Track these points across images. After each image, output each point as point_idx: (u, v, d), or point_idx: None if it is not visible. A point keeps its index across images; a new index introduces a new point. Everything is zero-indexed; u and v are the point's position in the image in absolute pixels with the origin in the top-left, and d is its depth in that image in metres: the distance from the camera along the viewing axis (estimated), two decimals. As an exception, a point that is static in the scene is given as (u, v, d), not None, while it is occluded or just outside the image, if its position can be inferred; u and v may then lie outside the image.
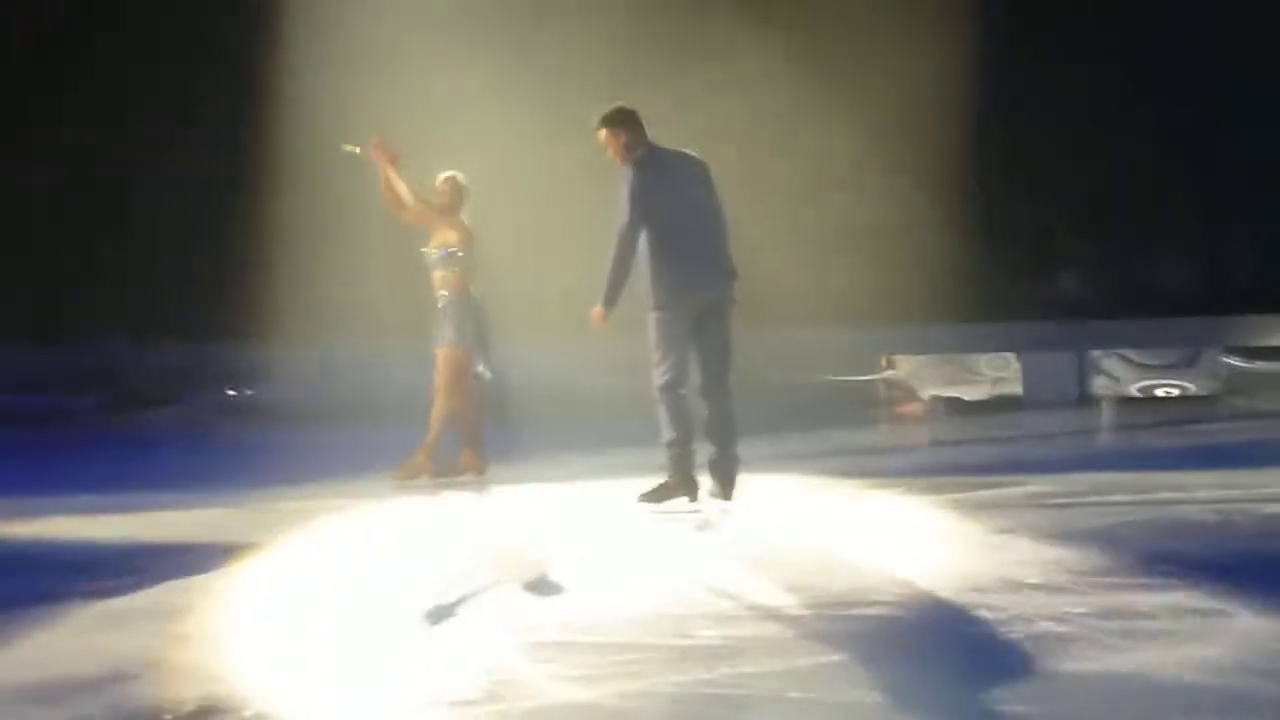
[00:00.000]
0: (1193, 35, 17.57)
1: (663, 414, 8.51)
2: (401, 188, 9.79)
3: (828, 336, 17.12)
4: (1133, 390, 16.21)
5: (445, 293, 9.84)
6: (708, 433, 8.54)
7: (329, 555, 7.91)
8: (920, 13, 16.97)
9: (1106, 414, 15.06)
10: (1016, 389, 16.17)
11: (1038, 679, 5.05)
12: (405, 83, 16.13)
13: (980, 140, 16.83)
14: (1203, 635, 5.51)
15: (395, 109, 14.82)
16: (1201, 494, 8.83)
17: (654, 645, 5.55)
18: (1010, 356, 16.56)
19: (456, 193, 9.92)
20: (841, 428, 14.22)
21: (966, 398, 16.28)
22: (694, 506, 8.52)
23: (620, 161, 8.58)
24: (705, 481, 8.57)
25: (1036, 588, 6.36)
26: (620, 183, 8.51)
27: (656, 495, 8.55)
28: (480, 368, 10.04)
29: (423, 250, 9.97)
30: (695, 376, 8.55)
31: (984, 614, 5.91)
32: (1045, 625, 5.69)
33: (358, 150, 10.03)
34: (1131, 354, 16.45)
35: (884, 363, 17.23)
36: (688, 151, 8.77)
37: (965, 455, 11.97)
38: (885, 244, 17.19)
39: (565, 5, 17.24)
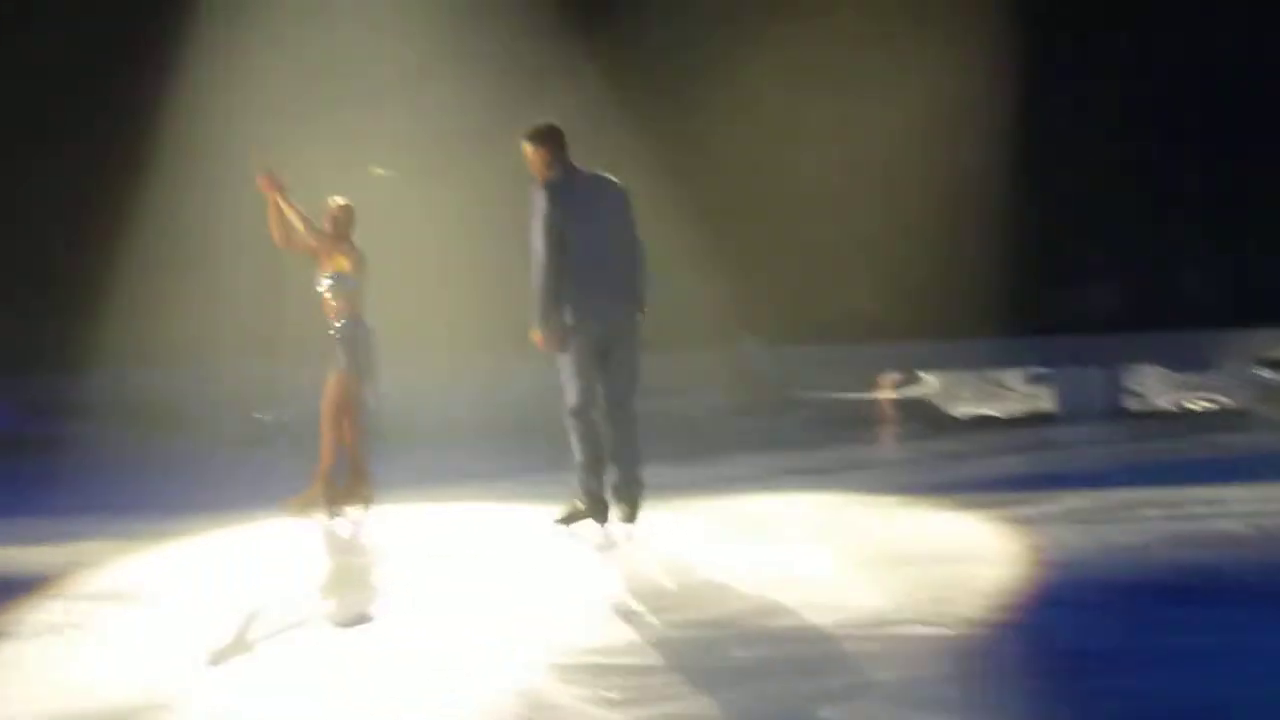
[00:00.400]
0: (1216, 46, 17.56)
1: (573, 438, 8.57)
2: (294, 218, 9.67)
3: (855, 353, 17.13)
4: (1164, 403, 16.16)
5: (340, 319, 9.70)
6: (612, 457, 8.55)
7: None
8: (943, 25, 16.99)
9: (1136, 427, 15.01)
10: (1048, 404, 16.13)
11: (1073, 696, 5.04)
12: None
13: (1006, 154, 16.83)
14: (1238, 650, 5.49)
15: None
16: (1235, 508, 8.79)
17: (685, 667, 5.56)
18: (1041, 371, 16.53)
19: (349, 219, 9.85)
20: (870, 443, 14.21)
21: (998, 414, 16.25)
22: (603, 529, 8.53)
23: (538, 178, 8.60)
24: (613, 504, 8.59)
25: (1071, 604, 6.35)
26: (534, 203, 8.53)
27: (568, 518, 8.60)
28: (367, 396, 9.86)
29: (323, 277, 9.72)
30: (600, 400, 8.54)
31: (1018, 631, 5.90)
32: (1080, 642, 5.68)
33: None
34: (1162, 367, 16.40)
35: (892, 379, 17.18)
36: (606, 175, 8.73)
37: (995, 470, 11.93)
38: (910, 259, 17.21)
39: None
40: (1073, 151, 17.72)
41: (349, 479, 9.78)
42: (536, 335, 8.53)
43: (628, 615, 6.59)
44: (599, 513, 8.57)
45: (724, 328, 17.09)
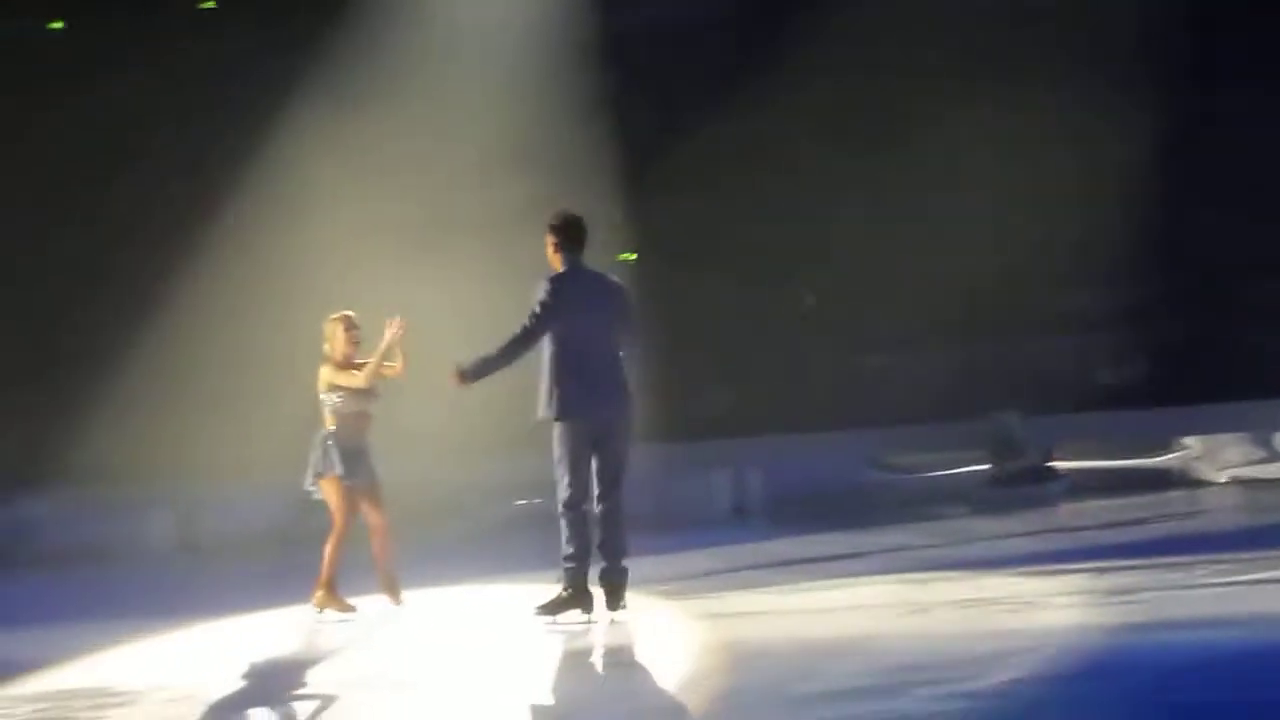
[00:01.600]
0: None
1: (564, 529, 8.76)
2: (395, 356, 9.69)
3: (1114, 420, 17.07)
4: None
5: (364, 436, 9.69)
6: (599, 544, 8.77)
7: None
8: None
9: None
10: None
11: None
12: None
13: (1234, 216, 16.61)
14: None
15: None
16: None
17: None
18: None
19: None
20: (1124, 508, 14.14)
21: (1264, 476, 15.98)
22: (589, 619, 8.73)
23: (550, 264, 8.92)
24: (598, 593, 8.79)
25: None
26: (536, 288, 8.83)
27: (552, 607, 8.81)
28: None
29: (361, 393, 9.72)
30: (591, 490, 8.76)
31: None
32: None
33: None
34: None
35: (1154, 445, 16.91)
36: (607, 274, 9.03)
37: (1260, 528, 11.84)
38: (1155, 326, 17.21)
39: None
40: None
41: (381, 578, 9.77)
42: (456, 376, 8.78)
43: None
44: (585, 603, 8.79)
45: (981, 399, 17.18)
